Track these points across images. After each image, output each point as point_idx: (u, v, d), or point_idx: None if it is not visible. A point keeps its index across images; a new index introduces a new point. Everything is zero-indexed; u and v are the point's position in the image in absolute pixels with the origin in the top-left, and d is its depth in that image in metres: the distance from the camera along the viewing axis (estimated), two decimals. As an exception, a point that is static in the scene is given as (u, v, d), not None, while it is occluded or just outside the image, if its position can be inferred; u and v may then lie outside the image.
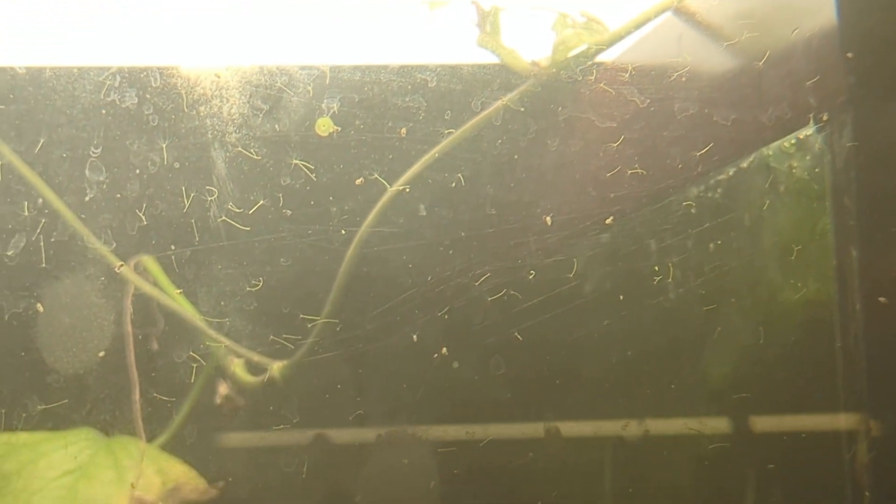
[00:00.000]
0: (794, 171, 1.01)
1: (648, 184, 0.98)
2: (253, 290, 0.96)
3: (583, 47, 0.97)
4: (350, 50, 0.97)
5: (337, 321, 0.97)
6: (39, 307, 0.94)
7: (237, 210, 0.95)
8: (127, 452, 0.96)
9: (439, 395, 0.99)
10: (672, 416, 1.02)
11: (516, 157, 0.97)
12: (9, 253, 0.94)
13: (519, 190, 0.98)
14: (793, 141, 1.00)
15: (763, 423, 1.04)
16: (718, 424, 1.03)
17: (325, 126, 0.96)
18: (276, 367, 0.97)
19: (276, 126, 0.95)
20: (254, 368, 0.98)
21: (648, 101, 0.97)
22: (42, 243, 0.94)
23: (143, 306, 0.97)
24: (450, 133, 0.96)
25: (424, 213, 0.97)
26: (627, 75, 0.97)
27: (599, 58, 0.98)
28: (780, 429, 1.04)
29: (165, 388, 0.97)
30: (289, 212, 0.96)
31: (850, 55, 0.94)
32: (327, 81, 0.95)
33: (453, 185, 0.97)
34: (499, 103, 0.96)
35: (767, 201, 1.01)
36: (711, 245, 1.00)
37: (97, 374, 0.96)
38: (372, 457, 0.99)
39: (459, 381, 0.99)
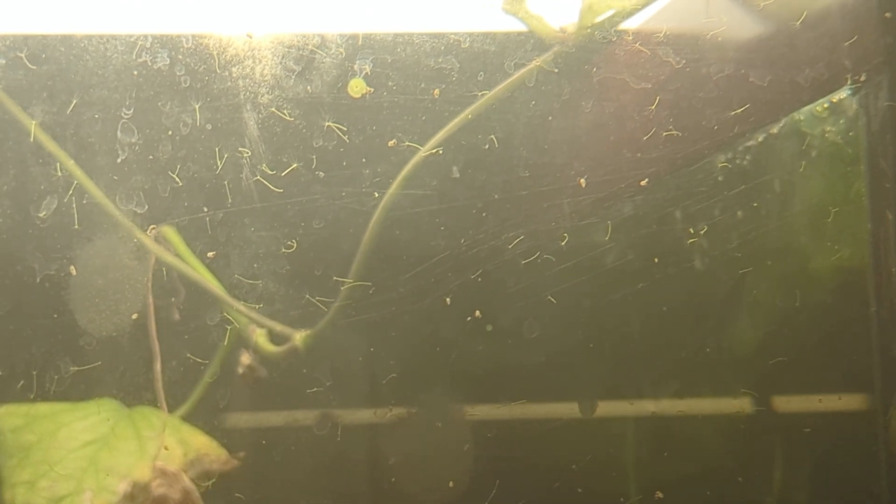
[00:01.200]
0: (827, 135, 1.00)
1: (683, 145, 0.97)
2: (286, 252, 0.95)
3: (610, 13, 0.96)
4: (381, 19, 0.96)
5: (370, 284, 0.96)
6: (72, 269, 0.93)
7: (270, 172, 0.95)
8: (148, 423, 0.96)
9: (473, 357, 0.98)
10: (705, 380, 1.01)
11: (550, 118, 0.97)
12: (41, 214, 0.93)
13: (552, 152, 0.97)
14: (826, 105, 0.99)
15: (796, 390, 1.03)
16: (750, 394, 1.02)
17: (357, 87, 0.95)
18: (299, 336, 0.96)
19: (309, 88, 0.95)
20: (277, 338, 0.98)
21: (683, 61, 0.96)
22: (74, 205, 0.93)
23: (167, 275, 0.96)
24: (483, 95, 0.95)
25: (458, 176, 0.96)
26: (662, 36, 0.96)
27: (628, 22, 0.97)
28: (814, 395, 1.03)
29: (187, 358, 0.96)
30: (321, 174, 0.95)
31: (888, 15, 0.93)
32: (360, 43, 0.95)
33: (486, 147, 0.96)
34: (532, 64, 0.95)
35: (801, 165, 1.00)
36: (746, 208, 1.00)
37: (129, 337, 0.95)
38: (406, 420, 0.99)
39: (493, 343, 0.98)
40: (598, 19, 0.97)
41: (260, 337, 0.97)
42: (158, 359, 0.96)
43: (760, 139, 0.99)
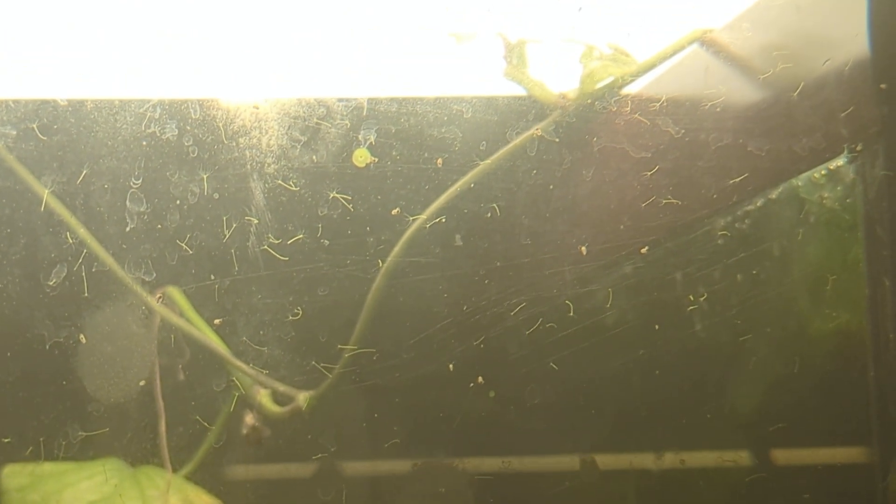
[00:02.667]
0: (825, 201, 1.02)
1: (683, 213, 0.98)
2: (292, 319, 0.97)
3: (610, 79, 0.98)
4: (386, 83, 0.98)
5: (373, 350, 0.98)
6: (82, 338, 0.95)
7: (276, 240, 0.96)
8: (152, 483, 0.97)
9: (476, 423, 1.00)
10: (707, 445, 1.03)
11: (551, 187, 0.98)
12: (50, 283, 0.95)
13: (554, 220, 0.99)
14: (823, 171, 1.01)
15: (796, 454, 1.04)
16: (752, 455, 1.03)
17: (362, 157, 0.97)
18: (302, 396, 0.98)
19: (314, 157, 0.96)
20: (281, 399, 0.99)
21: (682, 131, 0.98)
22: (83, 273, 0.95)
23: (173, 337, 0.98)
24: (484, 163, 0.97)
25: (460, 243, 0.98)
26: (659, 105, 0.98)
27: (626, 89, 0.99)
28: (814, 460, 1.04)
29: (191, 419, 0.97)
30: (326, 242, 0.97)
31: (882, 86, 0.94)
32: (364, 113, 0.96)
33: (489, 215, 0.98)
34: (532, 132, 0.97)
35: (799, 232, 1.01)
36: (744, 275, 1.01)
37: (136, 401, 0.97)
38: (409, 485, 1.00)
39: (496, 409, 0.99)
40: (599, 86, 0.99)
41: (264, 397, 0.99)
42: (163, 418, 0.97)
43: (759, 204, 1.01)
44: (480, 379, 0.98)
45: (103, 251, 0.94)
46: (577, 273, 0.99)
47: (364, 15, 0.98)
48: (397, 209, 0.98)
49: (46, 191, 0.94)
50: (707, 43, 0.98)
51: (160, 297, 0.97)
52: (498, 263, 0.98)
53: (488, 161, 0.95)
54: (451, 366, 0.98)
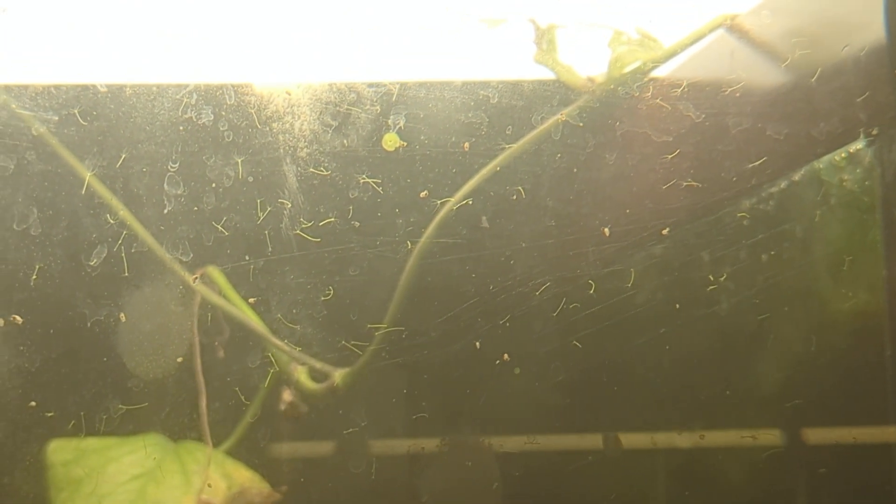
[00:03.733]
0: (844, 183, 1.04)
1: (704, 196, 1.01)
2: (323, 298, 1.00)
3: (637, 63, 1.01)
4: (415, 67, 1.01)
5: (403, 329, 1.01)
6: (122, 316, 0.98)
7: (308, 222, 0.99)
8: (193, 457, 1.00)
9: (501, 400, 1.03)
10: (726, 423, 1.05)
11: (575, 170, 1.01)
12: (91, 263, 0.98)
13: (577, 202, 1.01)
14: (843, 154, 1.03)
15: (814, 432, 1.07)
16: (771, 432, 1.05)
17: (391, 141, 1.00)
18: (338, 374, 1.01)
19: (345, 141, 0.99)
20: (317, 375, 1.02)
21: (703, 115, 1.00)
22: (123, 254, 0.98)
23: (212, 315, 1.01)
24: (510, 147, 1.00)
25: (487, 225, 1.01)
26: (681, 90, 1.00)
27: (653, 73, 1.02)
28: (831, 437, 1.06)
29: (230, 395, 1.01)
30: (357, 224, 1.00)
31: (899, 72, 0.97)
32: (394, 98, 0.99)
33: (514, 197, 1.01)
34: (558, 118, 0.99)
35: (819, 213, 1.04)
36: (764, 256, 1.04)
37: (175, 377, 1.00)
38: (436, 459, 1.03)
39: (521, 386, 1.02)
40: (626, 70, 1.01)
41: (301, 374, 1.02)
42: (203, 395, 1.01)
43: (782, 186, 1.03)
44: (506, 356, 1.01)
45: (145, 231, 0.97)
46: (600, 254, 1.01)
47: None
48: (425, 192, 1.00)
49: (89, 173, 0.98)
50: (732, 28, 1.01)
51: (199, 277, 1.00)
52: (523, 244, 1.01)
53: (516, 145, 0.98)
54: (477, 343, 1.01)
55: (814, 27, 1.02)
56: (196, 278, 1.00)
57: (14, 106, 0.97)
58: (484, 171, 0.99)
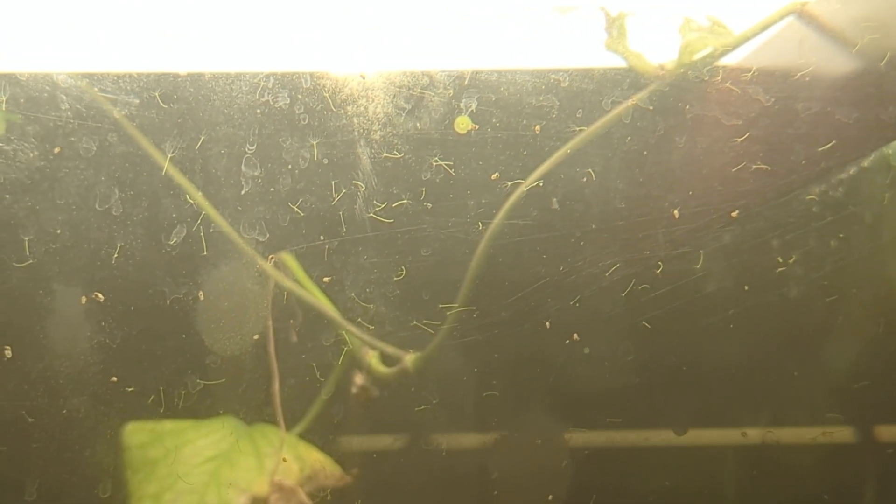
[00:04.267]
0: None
1: (773, 179, 1.02)
2: (396, 278, 1.02)
3: (707, 50, 1.02)
4: (488, 56, 1.02)
5: (474, 308, 1.03)
6: (200, 294, 1.01)
7: (381, 204, 1.01)
8: (267, 440, 1.03)
9: (571, 378, 1.04)
10: (795, 404, 1.06)
11: (645, 153, 1.02)
12: (171, 242, 1.01)
13: (647, 185, 1.03)
14: (912, 140, 1.04)
15: (884, 415, 1.07)
16: (840, 412, 1.06)
17: (463, 124, 1.02)
18: (409, 358, 1.03)
19: (418, 125, 1.01)
20: (388, 359, 1.04)
21: (773, 99, 1.01)
22: (202, 234, 1.01)
23: (286, 298, 1.03)
24: (581, 130, 1.01)
25: (557, 207, 1.02)
26: (751, 75, 1.01)
27: (723, 61, 1.03)
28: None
29: (304, 378, 1.03)
30: (429, 205, 1.02)
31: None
32: (466, 82, 1.01)
33: (584, 179, 1.02)
34: (629, 102, 1.01)
35: (888, 196, 1.04)
36: (832, 239, 1.04)
37: (251, 357, 1.02)
38: (508, 437, 1.05)
39: (590, 365, 1.04)
40: (697, 56, 1.02)
41: (373, 358, 1.04)
42: (277, 378, 1.03)
43: (853, 172, 1.04)
44: (576, 336, 1.03)
45: (219, 217, 1.00)
46: (670, 236, 1.02)
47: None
48: (496, 174, 1.02)
49: (168, 155, 1.00)
50: (801, 15, 1.01)
51: (273, 260, 1.02)
52: (593, 226, 1.03)
53: (589, 129, 1.00)
54: (547, 323, 1.03)
55: (884, 13, 1.02)
56: (270, 260, 1.02)
57: (96, 89, 1.00)
58: (557, 155, 1.01)
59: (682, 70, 1.01)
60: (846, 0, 1.02)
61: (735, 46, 1.02)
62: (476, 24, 1.03)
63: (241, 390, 1.03)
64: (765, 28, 1.02)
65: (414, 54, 1.04)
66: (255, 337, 1.03)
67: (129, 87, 1.00)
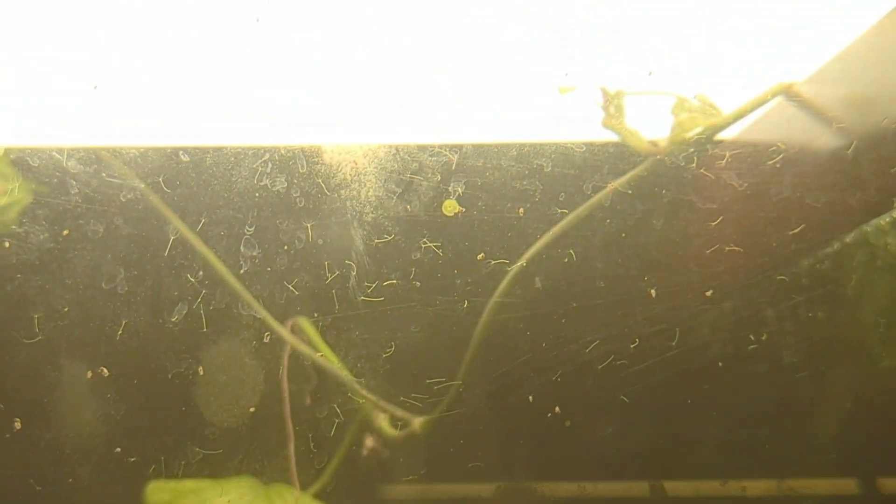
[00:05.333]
0: (889, 247, 1.09)
1: (745, 260, 1.07)
2: (386, 354, 1.07)
3: (698, 129, 1.07)
4: (478, 132, 1.08)
5: (460, 382, 1.08)
6: (200, 370, 1.06)
7: (372, 283, 1.07)
8: (283, 499, 1.08)
9: (553, 450, 1.09)
10: (769, 476, 1.11)
11: (624, 235, 1.07)
12: (173, 319, 1.06)
13: (626, 265, 1.08)
14: (887, 219, 1.09)
15: (860, 484, 1.12)
16: (815, 485, 1.11)
17: (451, 207, 1.07)
18: (418, 422, 1.08)
19: (408, 207, 1.07)
20: (396, 423, 1.10)
21: (746, 184, 1.06)
22: (202, 311, 1.06)
23: (297, 364, 1.09)
24: (563, 213, 1.07)
25: (540, 286, 1.08)
26: (725, 162, 1.06)
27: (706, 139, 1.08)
28: (882, 490, 1.12)
29: (317, 440, 1.08)
30: (418, 283, 1.07)
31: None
32: (453, 167, 1.07)
33: (566, 260, 1.08)
34: (609, 187, 1.06)
35: (867, 273, 1.09)
36: (804, 317, 1.09)
37: (249, 426, 1.08)
38: (493, 502, 1.10)
39: (571, 437, 1.09)
40: (688, 135, 1.08)
41: (383, 422, 1.09)
42: (292, 440, 1.08)
43: (833, 248, 1.09)
44: (557, 409, 1.08)
45: (240, 286, 1.06)
46: (647, 314, 1.08)
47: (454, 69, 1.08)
48: (482, 254, 1.08)
49: (172, 237, 1.06)
50: (791, 95, 1.07)
51: (290, 325, 1.08)
52: (574, 304, 1.08)
53: (572, 214, 1.05)
54: (530, 397, 1.08)
55: (856, 99, 1.07)
56: (287, 326, 1.07)
57: (104, 175, 1.06)
58: (546, 237, 1.06)
59: (673, 147, 1.07)
60: (832, 81, 1.07)
61: (725, 126, 1.07)
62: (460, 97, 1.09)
63: (238, 460, 1.08)
64: (754, 108, 1.07)
65: (406, 130, 1.09)
66: (252, 409, 1.08)
67: (134, 172, 1.06)
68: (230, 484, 1.06)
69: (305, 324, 1.07)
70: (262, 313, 1.05)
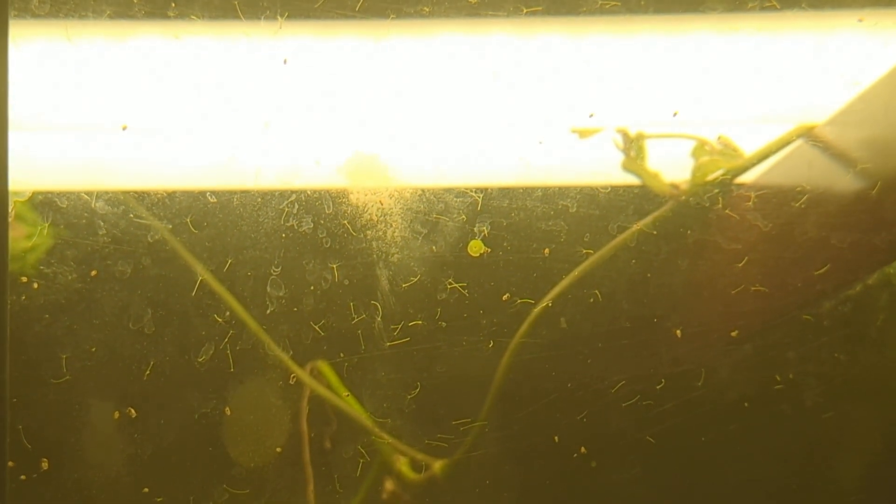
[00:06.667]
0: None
1: (770, 300, 1.08)
2: (412, 395, 1.08)
3: (719, 172, 1.08)
4: (500, 175, 1.09)
5: (485, 422, 1.08)
6: (227, 410, 1.07)
7: (398, 323, 1.07)
8: (304, 544, 1.08)
9: (578, 491, 1.09)
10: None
11: (649, 275, 1.08)
12: (200, 359, 1.07)
13: (651, 305, 1.08)
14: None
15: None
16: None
17: (476, 248, 1.08)
18: (438, 465, 1.08)
19: (434, 248, 1.07)
20: (417, 466, 1.10)
21: (770, 225, 1.07)
22: (228, 351, 1.07)
23: (317, 408, 1.09)
24: (588, 254, 1.07)
25: (565, 326, 1.08)
26: (751, 203, 1.07)
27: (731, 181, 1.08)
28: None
29: (336, 484, 1.09)
30: (444, 324, 1.08)
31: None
32: (479, 208, 1.07)
33: (591, 300, 1.08)
34: (635, 227, 1.07)
35: (881, 317, 1.10)
36: (829, 357, 1.09)
37: (276, 467, 1.08)
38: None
39: (597, 478, 1.09)
40: (710, 177, 1.08)
41: (403, 465, 1.10)
42: (311, 483, 1.08)
43: (855, 290, 1.09)
44: (583, 449, 1.08)
45: (260, 328, 1.06)
46: (673, 354, 1.08)
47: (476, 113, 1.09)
48: (507, 294, 1.08)
49: (200, 277, 1.07)
50: (811, 138, 1.07)
51: (311, 369, 1.08)
52: (599, 345, 1.08)
53: (599, 252, 1.05)
54: (556, 437, 1.08)
55: (880, 139, 1.08)
56: (307, 370, 1.08)
57: (132, 216, 1.07)
58: (571, 276, 1.07)
59: (694, 190, 1.07)
60: (851, 123, 1.08)
61: (746, 169, 1.08)
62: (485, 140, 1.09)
63: (264, 500, 1.08)
64: (774, 151, 1.08)
65: (429, 174, 1.10)
66: (279, 450, 1.08)
67: (162, 213, 1.07)
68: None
69: (325, 367, 1.08)
70: (282, 356, 1.06)
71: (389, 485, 1.10)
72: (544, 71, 1.09)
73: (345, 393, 1.09)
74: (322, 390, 1.08)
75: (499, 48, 1.09)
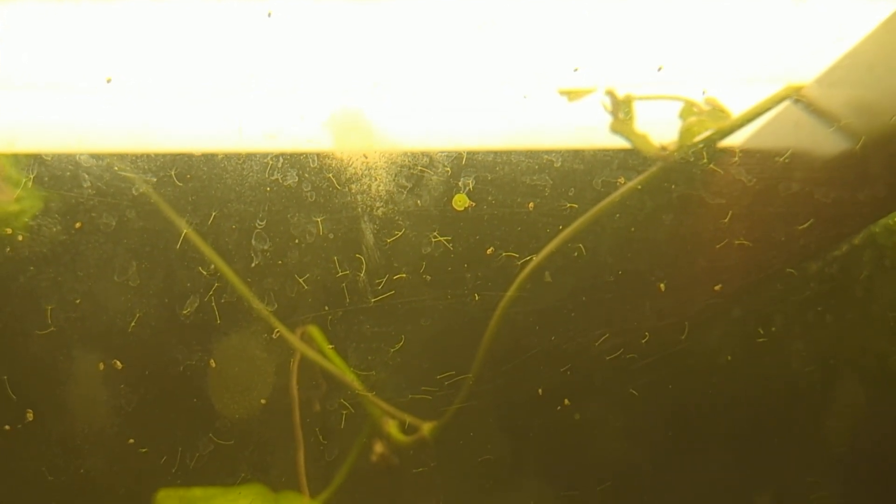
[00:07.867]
0: (897, 246, 1.10)
1: (754, 254, 1.08)
2: (397, 348, 1.08)
3: (707, 132, 1.08)
4: (488, 134, 1.08)
5: (470, 376, 1.08)
6: (212, 362, 1.07)
7: (383, 276, 1.08)
8: (292, 507, 1.08)
9: (562, 442, 1.10)
10: (777, 473, 1.11)
11: (633, 229, 1.08)
12: (185, 311, 1.07)
13: (635, 259, 1.09)
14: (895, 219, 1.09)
15: (867, 485, 1.12)
16: (827, 480, 1.12)
17: (461, 202, 1.08)
18: (427, 427, 1.09)
19: (418, 202, 1.07)
20: (405, 428, 1.10)
21: (755, 180, 1.07)
22: (214, 304, 1.07)
23: (308, 370, 1.10)
24: (573, 208, 1.07)
25: (550, 280, 1.08)
26: (736, 158, 1.07)
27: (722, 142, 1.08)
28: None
29: (327, 447, 1.09)
30: (428, 277, 1.08)
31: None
32: (464, 162, 1.07)
33: (575, 254, 1.08)
34: (628, 185, 1.06)
35: (876, 272, 1.10)
36: (812, 312, 1.10)
37: (260, 418, 1.09)
38: (502, 498, 1.10)
39: (580, 431, 1.09)
40: (697, 138, 1.08)
41: (392, 428, 1.10)
42: (302, 448, 1.09)
43: (841, 249, 1.10)
44: (567, 402, 1.09)
45: (246, 289, 1.06)
46: (656, 308, 1.08)
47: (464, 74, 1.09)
48: (491, 248, 1.08)
49: (185, 230, 1.07)
50: (799, 98, 1.07)
51: (301, 333, 1.08)
52: (583, 298, 1.09)
53: (594, 209, 1.05)
54: (540, 390, 1.08)
55: (866, 98, 1.08)
56: (297, 334, 1.08)
57: (116, 168, 1.06)
58: (563, 234, 1.07)
59: (683, 151, 1.07)
60: (838, 84, 1.08)
61: (733, 129, 1.08)
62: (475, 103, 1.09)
63: (249, 452, 1.09)
64: (762, 112, 1.08)
65: (415, 133, 1.10)
66: (263, 401, 1.08)
67: (146, 167, 1.07)
68: (240, 491, 1.06)
69: (315, 331, 1.08)
70: (266, 313, 1.06)
71: (379, 447, 1.10)
72: (529, 25, 1.09)
73: (334, 354, 1.09)
74: (312, 353, 1.08)
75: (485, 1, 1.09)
